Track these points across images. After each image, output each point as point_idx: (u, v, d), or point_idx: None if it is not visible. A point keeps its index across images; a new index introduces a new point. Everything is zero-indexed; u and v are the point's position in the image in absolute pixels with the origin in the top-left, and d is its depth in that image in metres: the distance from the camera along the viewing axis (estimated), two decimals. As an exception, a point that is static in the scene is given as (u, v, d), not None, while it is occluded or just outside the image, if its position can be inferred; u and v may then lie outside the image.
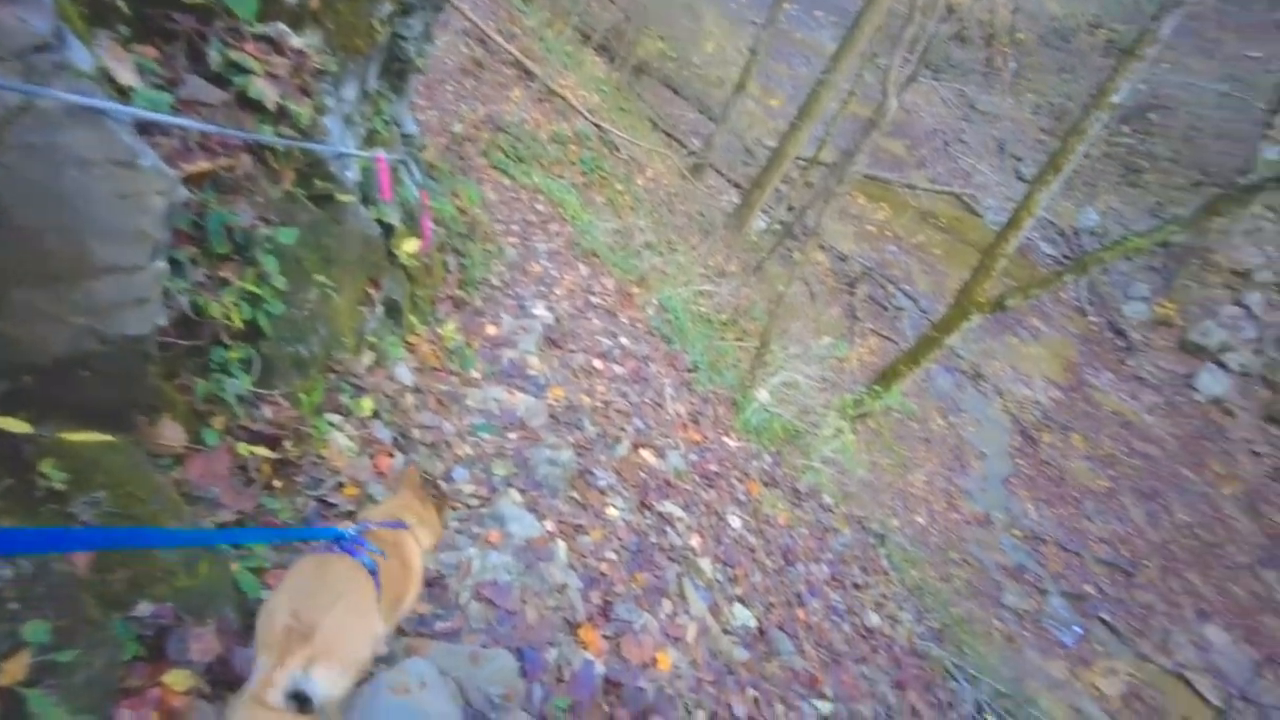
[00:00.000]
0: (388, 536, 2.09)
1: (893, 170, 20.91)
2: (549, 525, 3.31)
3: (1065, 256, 18.49)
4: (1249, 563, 14.57)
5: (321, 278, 2.87)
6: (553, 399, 4.49)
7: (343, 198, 2.92)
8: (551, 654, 2.61)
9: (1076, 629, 13.20)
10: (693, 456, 5.24)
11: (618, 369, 5.55)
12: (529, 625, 2.64)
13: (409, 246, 3.68)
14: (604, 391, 5.09)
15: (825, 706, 3.75)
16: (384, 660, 2.18)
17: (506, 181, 8.49)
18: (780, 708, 3.47)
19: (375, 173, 3.56)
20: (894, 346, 16.19)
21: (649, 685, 2.90)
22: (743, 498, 5.27)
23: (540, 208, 8.03)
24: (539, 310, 5.45)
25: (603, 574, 3.30)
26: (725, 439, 5.97)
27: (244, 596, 2.19)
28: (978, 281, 11.10)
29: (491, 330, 4.89)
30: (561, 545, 3.22)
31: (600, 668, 2.73)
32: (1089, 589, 13.70)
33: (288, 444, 2.52)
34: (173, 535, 1.95)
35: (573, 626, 2.91)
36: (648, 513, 4.06)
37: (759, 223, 15.95)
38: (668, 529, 4.04)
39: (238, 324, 2.30)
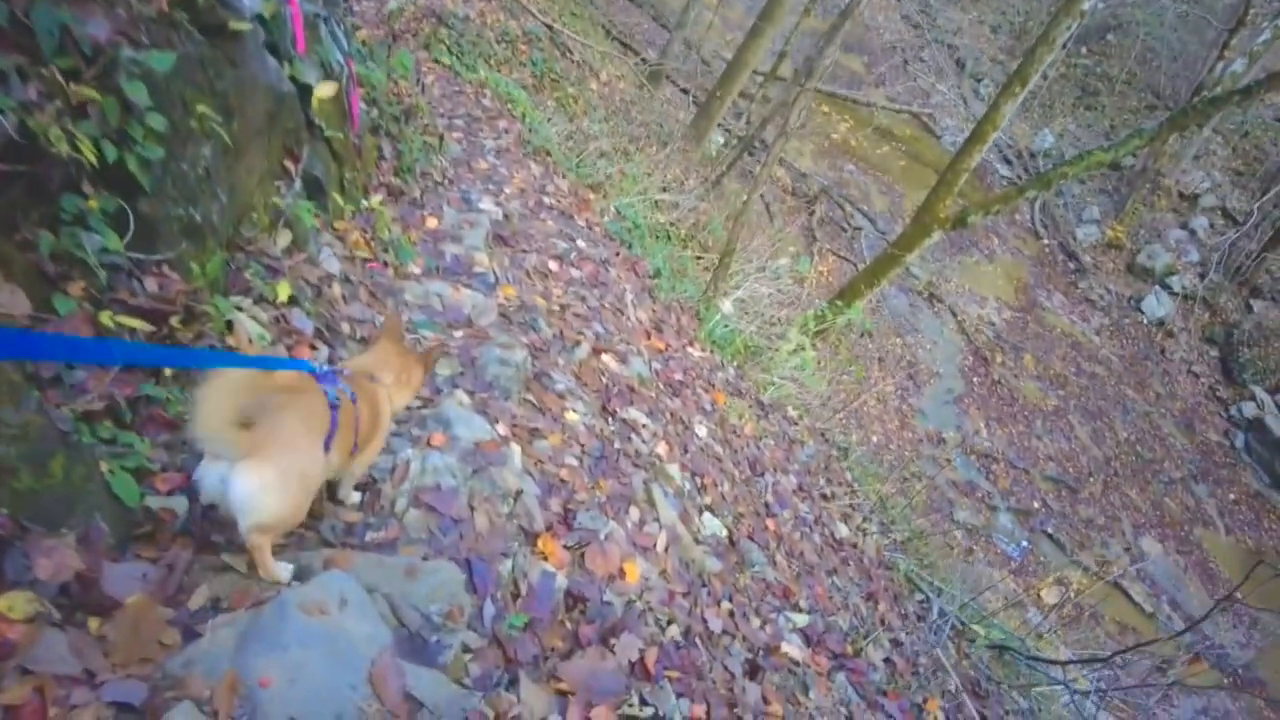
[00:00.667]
0: (360, 382, 2.01)
1: (851, 87, 20.33)
2: (501, 429, 2.91)
3: (1020, 178, 18.32)
4: (1182, 477, 14.99)
5: (219, 130, 2.35)
6: (504, 297, 4.03)
7: (237, 25, 2.37)
8: (505, 566, 2.24)
9: (1023, 543, 13.48)
10: (656, 364, 4.86)
11: (575, 272, 5.10)
12: (478, 534, 2.25)
13: (323, 91, 3.13)
14: (560, 294, 4.64)
15: (801, 618, 3.49)
16: (299, 576, 1.78)
17: (450, 76, 7.80)
18: (756, 620, 3.19)
19: (287, 18, 2.99)
20: (851, 267, 15.94)
21: (616, 599, 2.57)
22: (709, 407, 4.94)
23: (487, 103, 7.39)
24: (486, 205, 4.93)
25: (563, 480, 2.92)
26: (689, 348, 5.61)
27: (120, 506, 1.75)
28: (939, 197, 10.75)
29: (433, 223, 4.38)
30: (516, 449, 2.83)
31: (562, 580, 2.37)
32: (1036, 505, 13.96)
33: (175, 321, 2.05)
34: (84, 346, 1.50)
35: (530, 536, 2.54)
36: (611, 419, 3.68)
37: (717, 138, 15.36)
38: (632, 435, 3.67)
39: (93, 161, 1.79)
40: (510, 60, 9.73)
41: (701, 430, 4.52)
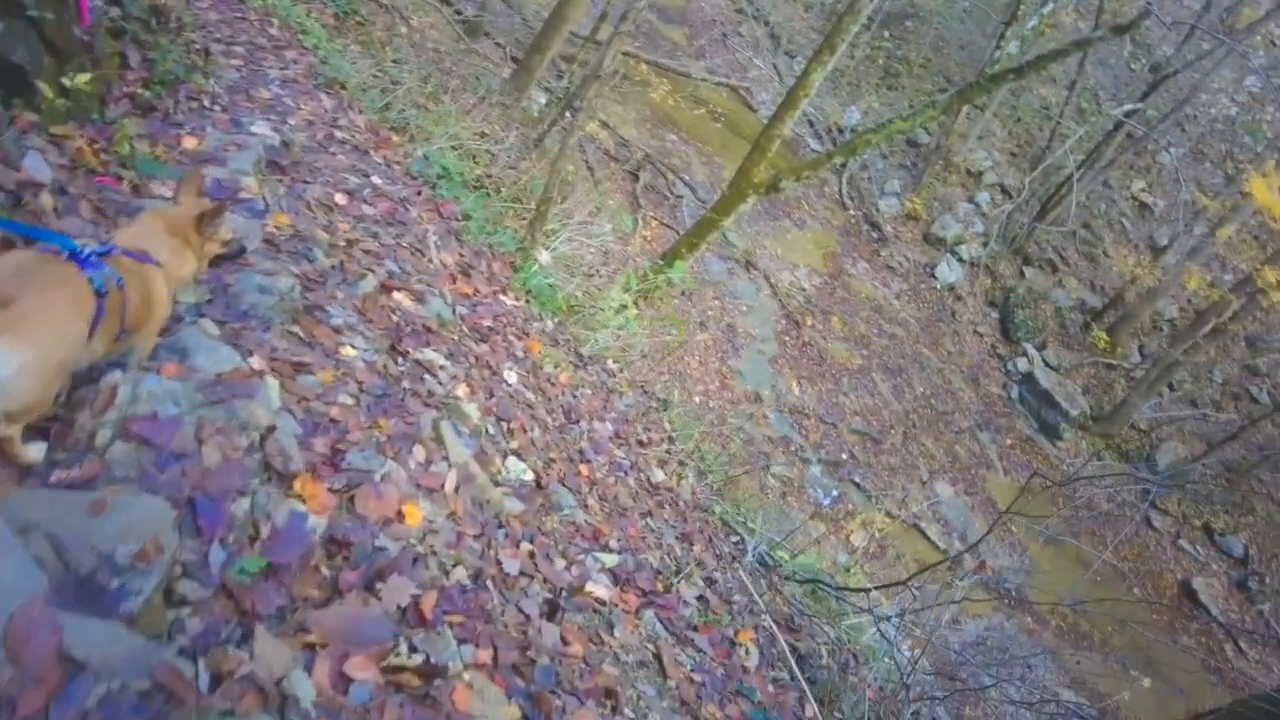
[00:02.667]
0: (132, 266, 1.88)
1: (671, 57, 20.45)
2: (256, 361, 2.48)
3: (830, 151, 19.17)
4: (969, 427, 16.45)
5: None
6: (275, 226, 3.53)
7: None
8: (241, 505, 1.85)
9: (834, 492, 14.27)
10: (462, 309, 4.50)
11: (368, 209, 4.61)
12: (207, 470, 1.85)
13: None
14: (347, 229, 4.16)
15: (610, 559, 3.32)
16: None
17: (229, 1, 6.91)
18: (560, 561, 2.97)
19: None
20: (673, 235, 16.09)
21: (392, 543, 2.24)
22: (521, 354, 4.65)
23: (274, 32, 6.60)
24: (260, 129, 4.34)
25: (333, 420, 2.54)
26: (501, 296, 5.27)
27: None
28: (754, 163, 10.96)
29: (191, 143, 3.76)
30: (272, 382, 2.42)
31: (316, 522, 2.02)
32: (844, 456, 14.81)
33: None
34: None
35: (285, 477, 2.15)
36: (401, 358, 3.31)
37: (539, 97, 14.92)
38: (426, 376, 3.32)
39: None
40: (307, -1, 8.83)
41: (511, 376, 4.23)
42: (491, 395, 3.80)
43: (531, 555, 2.78)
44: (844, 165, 19.58)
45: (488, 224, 6.32)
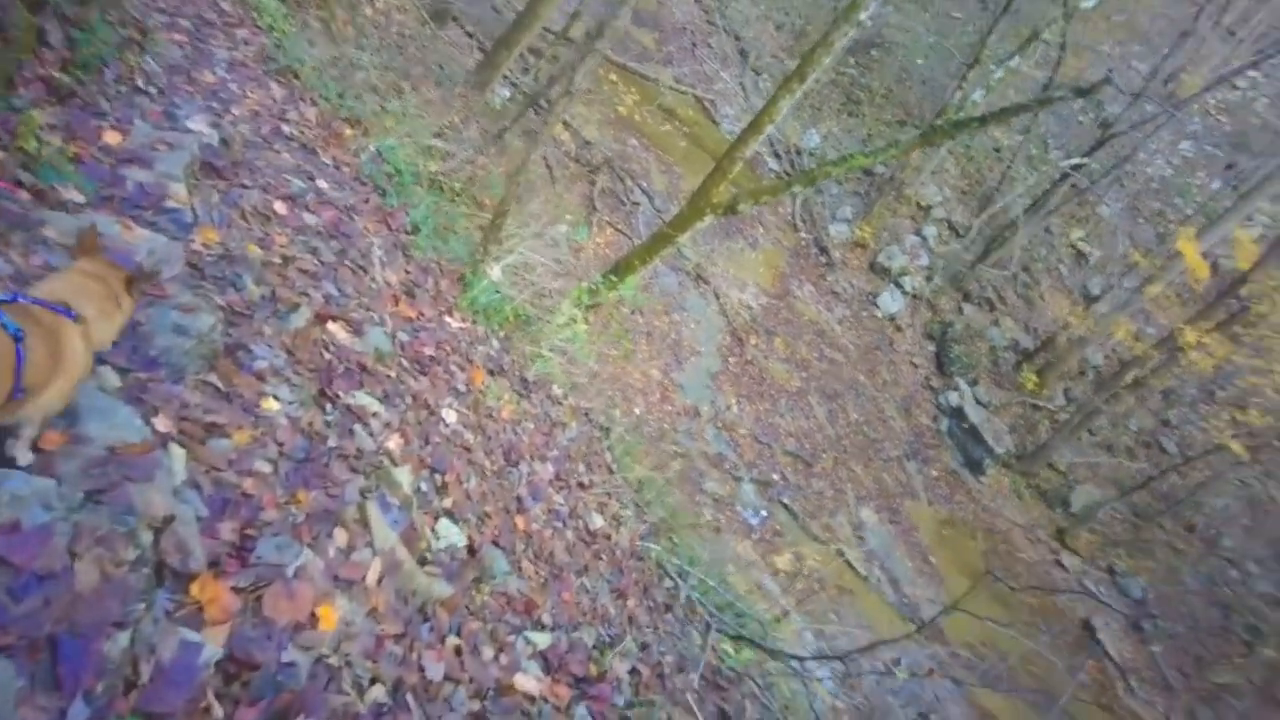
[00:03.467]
0: (44, 318, 1.68)
1: (640, 61, 20.17)
2: (161, 422, 2.15)
3: (788, 172, 19.21)
4: (898, 455, 16.66)
5: None
6: (201, 243, 3.16)
7: None
8: (118, 641, 1.55)
9: (763, 513, 14.24)
10: (403, 336, 4.18)
11: (309, 218, 4.24)
12: (78, 597, 1.54)
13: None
14: (285, 244, 3.80)
15: (542, 639, 3.07)
16: None
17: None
18: (489, 650, 2.71)
19: None
20: (627, 241, 15.85)
21: (302, 656, 1.96)
22: (463, 387, 4.35)
23: (226, 7, 6.11)
24: (198, 125, 3.93)
25: (246, 494, 2.23)
26: (447, 318, 4.95)
27: None
28: (714, 182, 10.80)
29: (113, 138, 3.35)
30: (178, 453, 2.10)
31: (214, 650, 1.72)
32: (775, 476, 14.80)
33: None
34: None
35: (181, 577, 1.85)
36: (329, 406, 2.99)
37: (503, 91, 14.47)
38: (356, 427, 3.01)
39: None
40: (265, -34, 8.27)
41: (450, 415, 3.93)
42: (427, 442, 3.51)
43: (458, 651, 2.52)
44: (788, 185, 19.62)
45: (439, 232, 5.98)
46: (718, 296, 16.49)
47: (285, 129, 4.97)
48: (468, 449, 3.89)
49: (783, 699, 5.16)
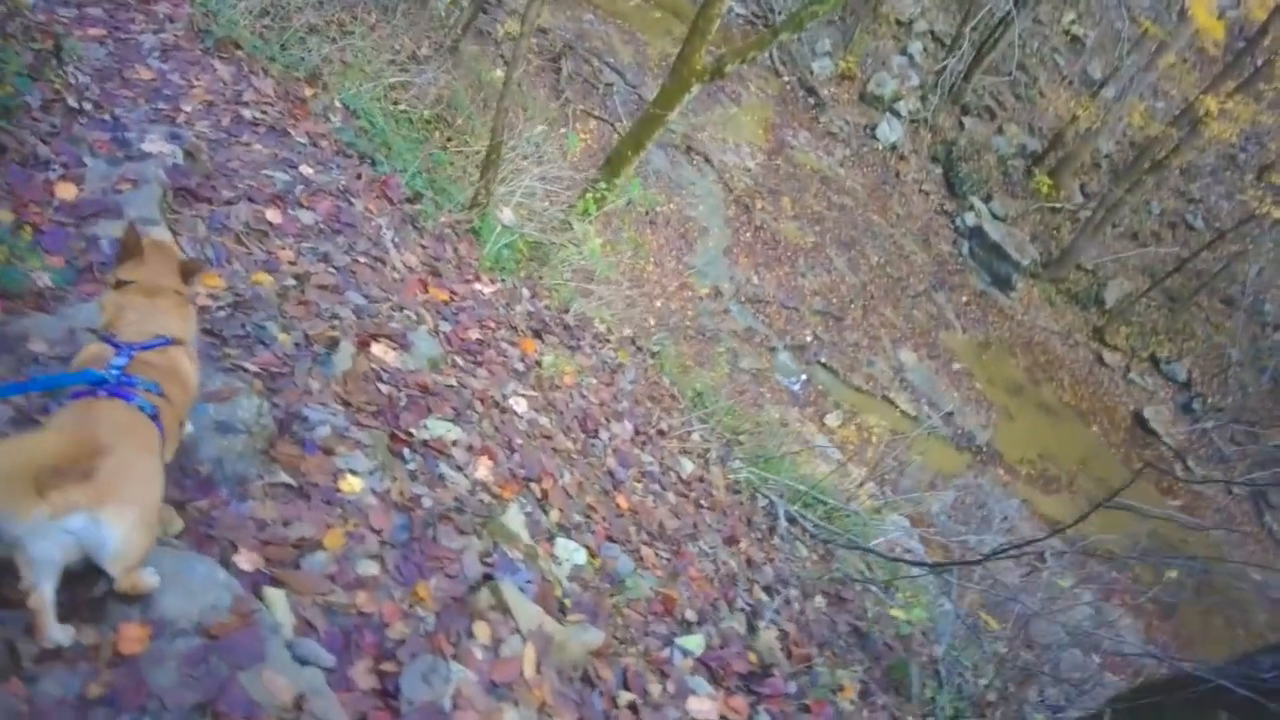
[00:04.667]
0: (156, 360, 1.67)
1: (577, -75, 18.34)
2: (245, 560, 1.77)
3: (757, 17, 17.80)
4: (925, 289, 16.24)
5: None
6: (206, 294, 2.67)
7: None
8: None
9: (803, 377, 14.04)
10: (444, 326, 3.72)
11: (307, 216, 3.69)
12: None
13: None
14: (291, 258, 3.29)
15: (694, 642, 2.79)
16: None
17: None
18: (655, 686, 2.42)
19: None
20: (609, 127, 14.90)
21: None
22: (520, 365, 3.92)
23: (133, -19, 5.27)
24: (155, 144, 3.32)
25: (363, 614, 1.86)
26: (477, 285, 4.45)
27: None
28: (694, 48, 9.84)
29: (68, 191, 2.80)
30: (276, 596, 1.72)
31: None
32: (808, 338, 14.50)
33: None
34: None
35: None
36: (407, 451, 2.59)
37: (443, -6, 13.17)
38: (442, 467, 2.62)
39: None
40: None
41: (520, 404, 3.53)
42: (511, 449, 3.12)
43: (634, 708, 2.22)
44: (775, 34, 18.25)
45: (436, 186, 5.37)
46: (712, 165, 15.64)
47: (246, 114, 4.31)
48: (548, 437, 3.51)
49: (904, 597, 5.00)
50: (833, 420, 13.49)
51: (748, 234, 15.16)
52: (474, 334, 3.83)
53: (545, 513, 2.90)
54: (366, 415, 2.59)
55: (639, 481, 3.82)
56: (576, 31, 16.27)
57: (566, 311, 5.45)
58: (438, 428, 2.80)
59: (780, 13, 18.31)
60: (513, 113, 12.17)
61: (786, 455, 7.01)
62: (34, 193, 2.72)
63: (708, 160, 15.69)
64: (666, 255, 14.11)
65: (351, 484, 2.20)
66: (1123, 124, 17.12)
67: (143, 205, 2.87)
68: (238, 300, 2.73)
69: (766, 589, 3.88)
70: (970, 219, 17.04)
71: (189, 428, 1.92)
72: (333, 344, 2.76)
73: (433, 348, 3.33)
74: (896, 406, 14.34)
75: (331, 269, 3.41)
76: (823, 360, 14.31)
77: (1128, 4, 17.07)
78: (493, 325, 4.09)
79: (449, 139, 8.72)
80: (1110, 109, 16.37)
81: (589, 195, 8.47)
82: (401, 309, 3.49)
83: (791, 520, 5.10)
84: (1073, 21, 19.31)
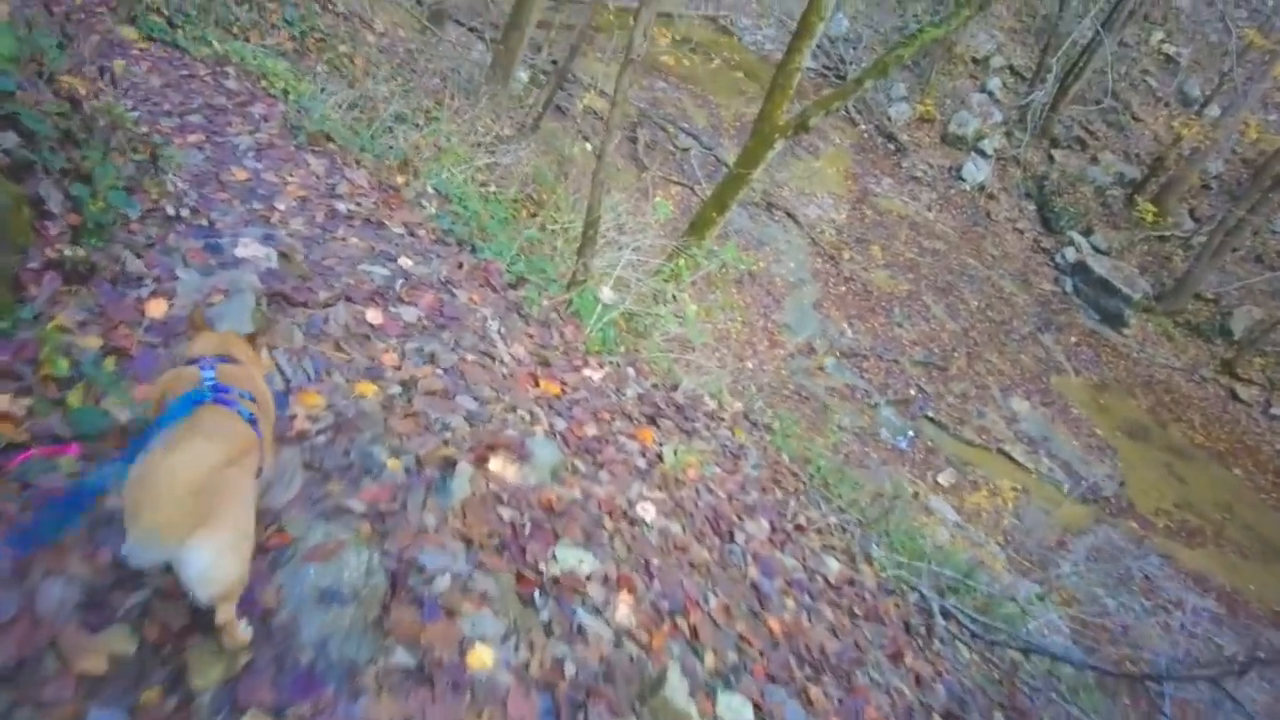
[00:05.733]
0: (237, 374, 1.70)
1: (644, -1, 18.56)
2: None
3: (828, 69, 17.49)
4: (1030, 331, 15.17)
5: None
6: (306, 415, 2.32)
7: None
8: None
9: (909, 433, 13.14)
10: (559, 423, 3.30)
11: (408, 312, 3.37)
12: None
13: None
14: (395, 362, 2.94)
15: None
16: None
17: (172, 56, 5.55)
18: None
19: None
20: (688, 191, 14.68)
21: None
22: (641, 460, 3.45)
23: (231, 84, 5.25)
24: (248, 248, 3.07)
25: None
26: (586, 371, 4.05)
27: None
28: (775, 104, 9.48)
29: (158, 308, 2.52)
30: None
31: None
32: (912, 391, 13.63)
33: None
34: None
35: None
36: (537, 594, 2.13)
37: (520, 74, 13.35)
38: (579, 615, 2.15)
39: None
40: (259, 24, 7.39)
41: (649, 511, 3.05)
42: (649, 574, 2.63)
43: None
44: (844, 80, 17.90)
45: (534, 268, 5.06)
46: (796, 219, 15.17)
47: (341, 207, 4.10)
48: (683, 549, 3.01)
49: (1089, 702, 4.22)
50: (946, 479, 12.49)
51: (838, 286, 14.53)
52: (590, 429, 3.40)
53: (699, 657, 2.39)
54: (489, 552, 2.15)
55: (787, 594, 3.26)
56: (650, 99, 16.28)
57: (675, 389, 4.99)
58: (568, 558, 2.34)
59: (851, 63, 17.98)
60: (585, 180, 12.06)
61: (920, 530, 6.31)
62: (125, 313, 2.44)
63: (790, 215, 15.24)
64: (754, 313, 13.60)
65: (481, 657, 1.75)
66: (1232, 141, 15.86)
67: (235, 317, 2.57)
68: (338, 420, 2.37)
69: (945, 716, 3.23)
70: (1071, 254, 15.97)
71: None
72: (448, 466, 2.36)
73: (552, 453, 2.90)
74: (1013, 459, 13.23)
75: (439, 370, 3.05)
76: (929, 414, 13.37)
77: (1227, 16, 15.99)
78: (607, 417, 3.66)
79: (534, 214, 8.55)
80: (1217, 126, 15.19)
81: (680, 261, 8.10)
82: (515, 408, 3.10)
83: (946, 615, 4.42)
84: (1163, 40, 18.27)
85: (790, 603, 3.18)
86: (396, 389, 2.79)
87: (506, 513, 2.37)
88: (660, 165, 14.91)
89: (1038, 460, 13.34)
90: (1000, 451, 13.23)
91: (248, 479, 1.50)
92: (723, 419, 5.00)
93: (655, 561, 2.74)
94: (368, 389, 2.66)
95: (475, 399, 2.98)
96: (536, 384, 3.50)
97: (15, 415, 1.85)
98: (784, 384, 12.63)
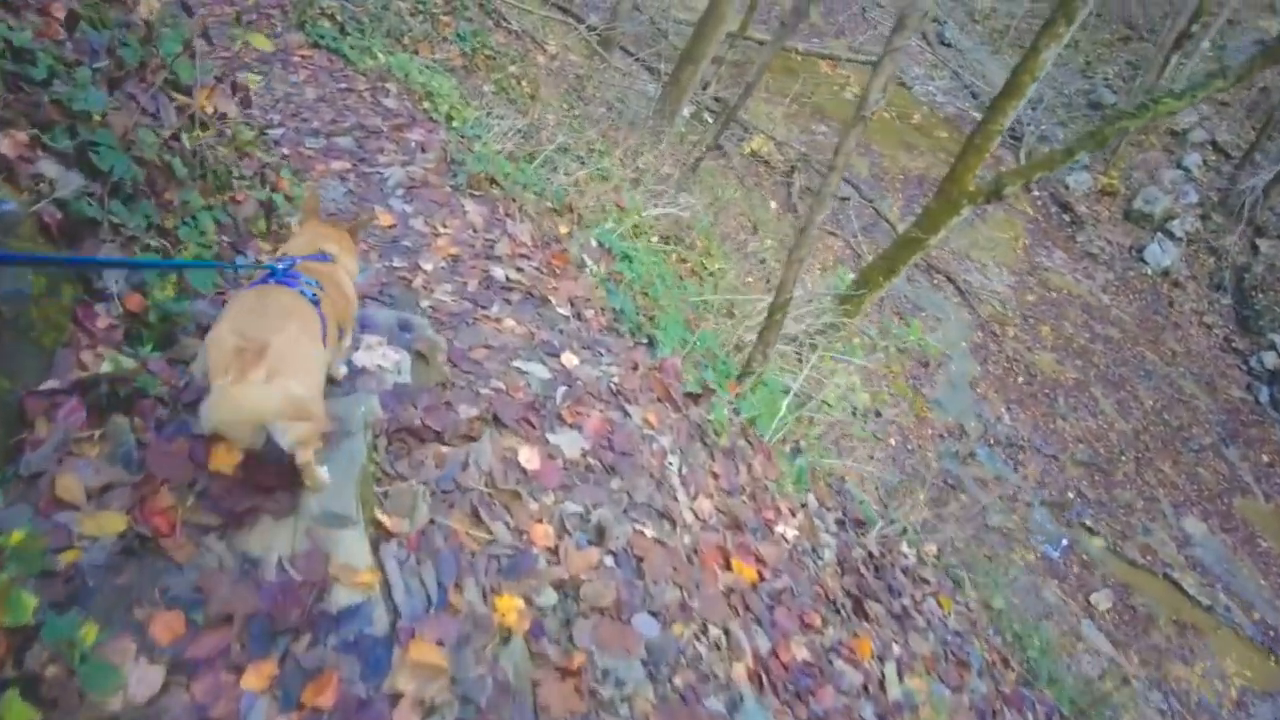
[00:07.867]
0: (318, 268, 1.74)
1: (811, 40, 17.45)
2: None
3: (1013, 130, 15.73)
4: (1213, 442, 12.90)
5: None
6: (411, 702, 1.32)
7: None
8: None
9: (1063, 542, 11.26)
10: (762, 641, 2.20)
11: (570, 443, 2.37)
12: None
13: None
14: (550, 539, 1.93)
15: None
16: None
17: (333, 64, 4.88)
18: None
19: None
20: (842, 242, 13.36)
21: None
22: (871, 712, 2.31)
23: (390, 103, 4.48)
24: (373, 355, 2.12)
25: None
26: (779, 527, 2.94)
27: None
28: (968, 167, 8.13)
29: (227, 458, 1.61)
30: None
31: None
32: (1070, 495, 11.73)
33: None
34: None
35: None
36: None
37: (685, 110, 12.47)
38: None
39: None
40: (430, 36, 6.76)
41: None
42: None
43: None
44: (1020, 141, 16.12)
45: (712, 359, 4.01)
46: (956, 285, 13.55)
47: (498, 273, 3.17)
48: None
49: None
50: (1101, 600, 10.58)
51: (998, 365, 12.80)
52: (800, 650, 2.28)
53: None
54: None
55: None
56: (811, 144, 15.07)
57: (862, 526, 3.80)
58: None
59: (1029, 125, 16.19)
60: (737, 226, 10.94)
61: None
62: (174, 467, 1.53)
63: (951, 280, 13.64)
64: (901, 383, 12.11)
65: None
66: None
67: (336, 494, 1.62)
68: (465, 695, 1.36)
69: None
70: (1270, 359, 13.57)
71: (347, 341, 1.90)
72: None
73: (751, 700, 1.81)
74: (1181, 589, 11.12)
75: (608, 554, 2.03)
76: (1087, 522, 11.44)
77: None
78: (816, 620, 2.52)
79: (683, 259, 7.50)
80: None
81: (857, 343, 6.89)
82: (706, 627, 2.03)
83: None
84: (1405, 130, 15.48)
85: None
86: (549, 599, 1.78)
87: None
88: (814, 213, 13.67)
89: (1214, 595, 11.15)
90: (1167, 578, 11.13)
91: (311, 347, 1.51)
92: (926, 581, 3.76)
93: None
94: (510, 611, 1.65)
95: (654, 615, 1.93)
96: (728, 564, 2.42)
97: None
98: (932, 469, 11.06)
